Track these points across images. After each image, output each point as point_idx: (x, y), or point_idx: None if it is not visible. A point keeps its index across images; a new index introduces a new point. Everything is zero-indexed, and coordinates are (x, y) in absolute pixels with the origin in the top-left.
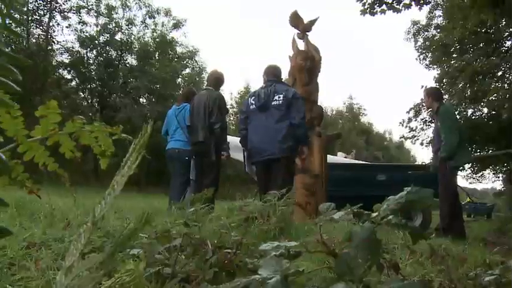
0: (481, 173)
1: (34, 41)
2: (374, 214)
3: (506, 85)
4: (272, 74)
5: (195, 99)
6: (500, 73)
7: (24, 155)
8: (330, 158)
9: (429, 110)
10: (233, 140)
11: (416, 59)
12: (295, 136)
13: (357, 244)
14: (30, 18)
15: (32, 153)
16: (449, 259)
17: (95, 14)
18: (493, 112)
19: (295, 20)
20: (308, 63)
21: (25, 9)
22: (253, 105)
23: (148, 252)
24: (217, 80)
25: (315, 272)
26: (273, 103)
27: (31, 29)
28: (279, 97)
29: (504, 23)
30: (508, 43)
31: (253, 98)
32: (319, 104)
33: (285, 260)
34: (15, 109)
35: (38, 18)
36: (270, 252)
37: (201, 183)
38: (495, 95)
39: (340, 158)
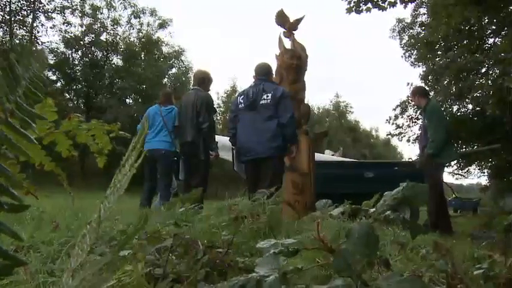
0: (467, 169)
1: (17, 41)
2: (371, 210)
3: (490, 81)
4: (261, 72)
5: (183, 99)
6: (484, 70)
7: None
8: (318, 156)
9: (416, 106)
10: (221, 140)
11: (402, 56)
12: (283, 135)
13: (355, 240)
14: (13, 19)
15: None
16: (454, 252)
17: (80, 15)
18: (478, 108)
19: (282, 18)
20: (295, 62)
21: (7, 9)
22: (242, 104)
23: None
24: (202, 79)
25: (305, 270)
26: (261, 102)
27: (14, 30)
28: (267, 96)
29: (487, 20)
30: (491, 40)
31: (242, 97)
32: (305, 102)
33: (282, 257)
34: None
35: (21, 18)
36: (268, 250)
37: (190, 183)
38: (479, 91)
39: (327, 155)
